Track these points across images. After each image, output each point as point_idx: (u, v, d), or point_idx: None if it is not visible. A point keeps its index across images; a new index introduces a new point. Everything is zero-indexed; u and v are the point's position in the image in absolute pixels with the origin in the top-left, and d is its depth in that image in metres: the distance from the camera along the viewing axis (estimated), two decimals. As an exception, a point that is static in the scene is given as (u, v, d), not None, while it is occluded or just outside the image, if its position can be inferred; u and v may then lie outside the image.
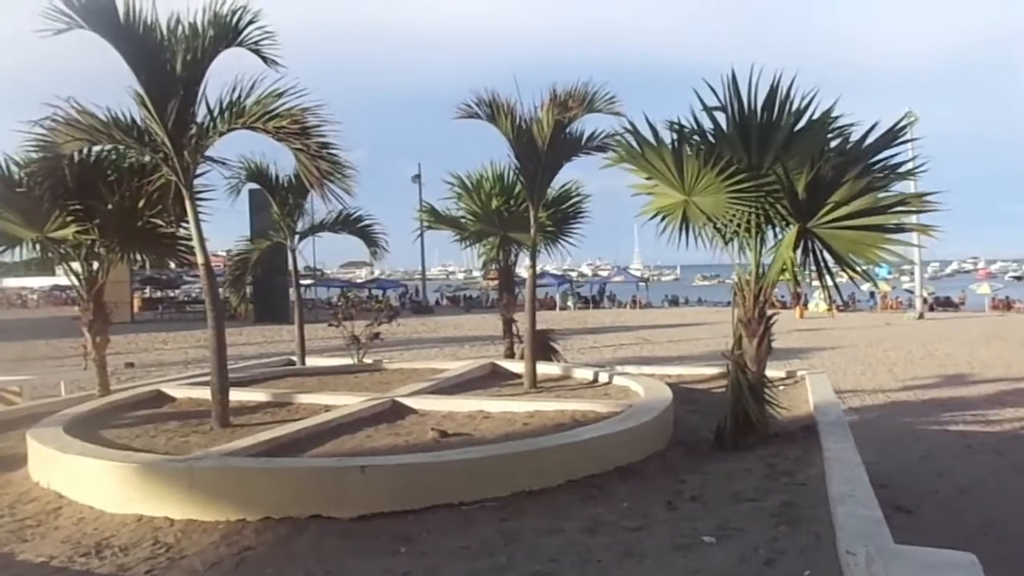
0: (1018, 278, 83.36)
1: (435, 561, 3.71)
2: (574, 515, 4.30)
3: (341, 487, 4.48)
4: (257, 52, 6.32)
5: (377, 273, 64.46)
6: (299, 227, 11.32)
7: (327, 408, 6.62)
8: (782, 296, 32.80)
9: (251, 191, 13.12)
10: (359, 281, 57.35)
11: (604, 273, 71.58)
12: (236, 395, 6.95)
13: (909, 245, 6.17)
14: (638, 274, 65.87)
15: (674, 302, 51.89)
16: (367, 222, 11.76)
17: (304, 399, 7.18)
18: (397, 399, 6.83)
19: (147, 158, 7.13)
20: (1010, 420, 11.22)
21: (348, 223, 11.65)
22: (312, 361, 11.10)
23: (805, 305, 36.00)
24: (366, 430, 5.94)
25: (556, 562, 3.64)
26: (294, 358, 11.19)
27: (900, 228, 5.90)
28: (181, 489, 4.47)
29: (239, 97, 6.20)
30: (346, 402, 6.74)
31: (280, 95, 6.10)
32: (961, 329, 27.86)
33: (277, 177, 10.62)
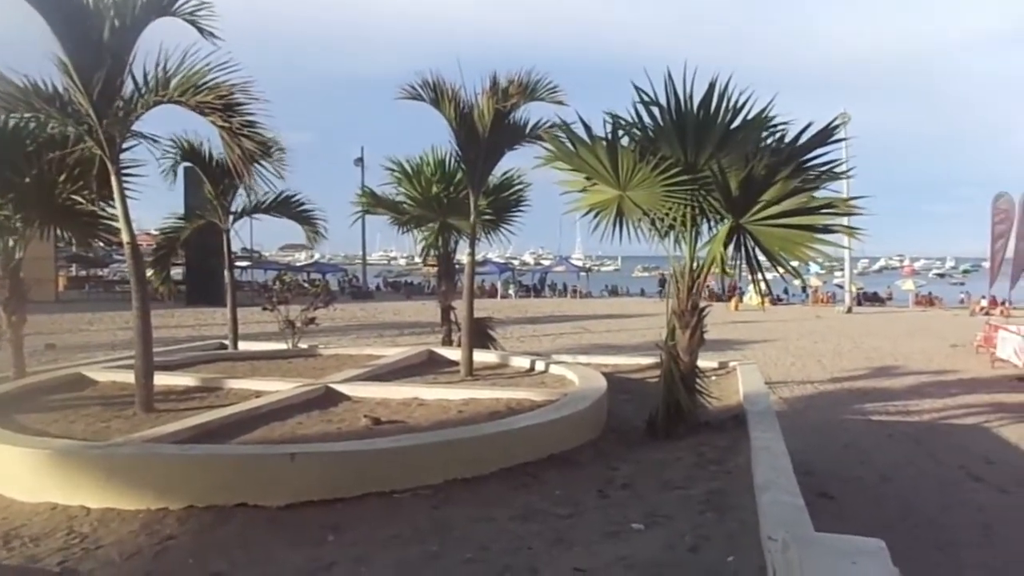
0: (940, 275, 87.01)
1: (364, 550, 3.67)
2: (506, 503, 4.31)
3: (269, 474, 4.39)
4: (193, 23, 6.04)
5: (317, 257, 63.34)
6: (234, 207, 11.01)
7: (258, 394, 6.47)
8: (718, 289, 33.57)
9: (187, 168, 12.70)
10: (298, 264, 56.32)
11: (546, 262, 71.94)
12: (163, 379, 6.75)
13: (837, 246, 6.35)
14: (579, 264, 66.31)
15: (614, 292, 52.62)
16: (305, 205, 11.55)
17: (234, 384, 7.00)
18: (330, 385, 6.73)
19: (70, 130, 6.79)
20: (928, 411, 11.76)
21: (286, 206, 11.41)
22: (245, 346, 10.86)
23: (740, 298, 36.89)
24: (297, 417, 5.83)
25: (487, 549, 3.64)
26: (227, 342, 10.92)
27: (828, 229, 6.07)
28: (99, 476, 4.31)
29: (166, 69, 5.92)
30: (278, 388, 6.60)
31: (209, 70, 5.83)
32: (887, 323, 28.98)
33: (211, 155, 10.30)
